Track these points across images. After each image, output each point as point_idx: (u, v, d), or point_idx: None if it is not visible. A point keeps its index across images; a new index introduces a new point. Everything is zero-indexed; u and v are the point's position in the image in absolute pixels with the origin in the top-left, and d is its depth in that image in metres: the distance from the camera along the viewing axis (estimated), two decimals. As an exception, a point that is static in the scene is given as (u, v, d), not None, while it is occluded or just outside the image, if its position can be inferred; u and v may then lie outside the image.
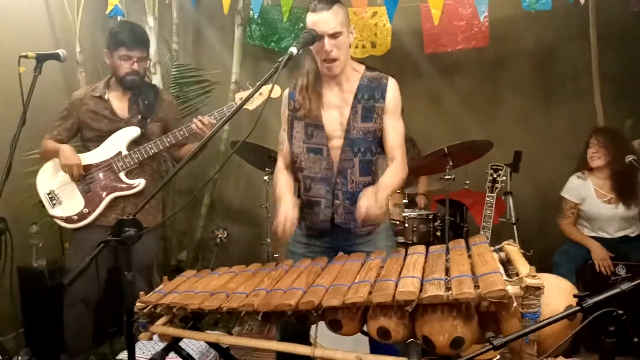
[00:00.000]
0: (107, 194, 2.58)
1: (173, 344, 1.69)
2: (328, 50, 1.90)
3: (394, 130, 2.02)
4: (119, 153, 2.59)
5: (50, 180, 2.64)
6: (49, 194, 2.62)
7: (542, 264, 3.26)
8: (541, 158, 3.81)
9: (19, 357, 2.99)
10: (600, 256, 2.97)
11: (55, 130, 2.63)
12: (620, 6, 3.50)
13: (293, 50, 1.69)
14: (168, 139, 2.59)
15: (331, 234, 2.07)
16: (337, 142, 2.02)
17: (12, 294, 3.00)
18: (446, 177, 3.12)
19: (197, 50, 4.32)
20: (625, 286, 1.20)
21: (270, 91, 1.74)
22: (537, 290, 1.28)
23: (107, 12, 3.61)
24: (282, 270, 1.75)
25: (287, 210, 1.89)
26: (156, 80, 3.67)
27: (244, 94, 2.61)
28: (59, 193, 2.61)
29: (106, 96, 2.63)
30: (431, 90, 4.07)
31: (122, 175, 2.59)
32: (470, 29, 3.71)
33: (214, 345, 2.01)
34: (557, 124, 3.93)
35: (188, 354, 1.76)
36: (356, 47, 3.91)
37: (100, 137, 2.61)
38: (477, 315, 1.41)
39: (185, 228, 4.28)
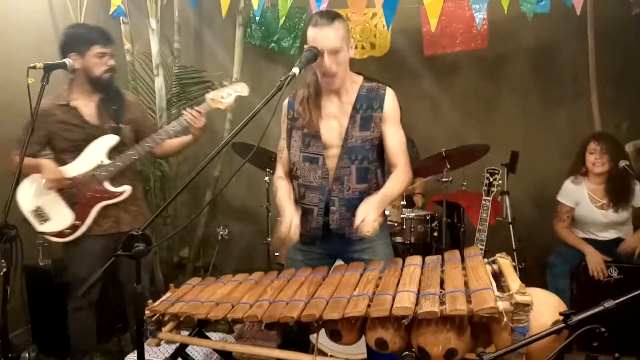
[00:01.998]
0: (95, 204, 2.56)
1: (180, 350, 1.77)
2: (327, 66, 1.94)
3: (395, 138, 2.06)
4: (101, 162, 2.57)
5: (33, 196, 2.56)
6: (35, 211, 2.55)
7: (538, 262, 3.37)
8: (538, 158, 3.88)
9: (27, 353, 3.10)
10: (594, 261, 3.01)
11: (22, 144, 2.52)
12: (618, 9, 3.53)
13: (295, 70, 1.73)
14: (148, 144, 2.58)
15: (328, 240, 2.13)
16: (334, 151, 2.07)
17: (22, 293, 3.10)
18: (443, 179, 3.19)
19: (199, 50, 4.36)
20: (609, 304, 1.27)
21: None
22: (526, 306, 1.35)
23: (110, 13, 3.65)
24: (284, 280, 1.83)
25: (291, 217, 1.95)
26: (158, 81, 3.72)
27: (215, 94, 2.62)
28: (46, 208, 2.55)
29: (72, 104, 2.55)
30: (430, 91, 4.11)
31: (106, 183, 2.58)
32: (469, 31, 3.74)
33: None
34: (555, 125, 3.99)
35: (194, 360, 1.84)
36: (355, 47, 3.95)
37: (76, 147, 2.56)
38: (470, 327, 1.48)
39: (187, 225, 4.36)
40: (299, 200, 2.13)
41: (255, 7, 3.22)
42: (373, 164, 2.09)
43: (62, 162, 2.59)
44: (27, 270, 3.11)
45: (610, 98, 3.69)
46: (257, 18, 3.50)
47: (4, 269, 2.06)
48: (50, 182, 2.48)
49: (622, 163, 2.89)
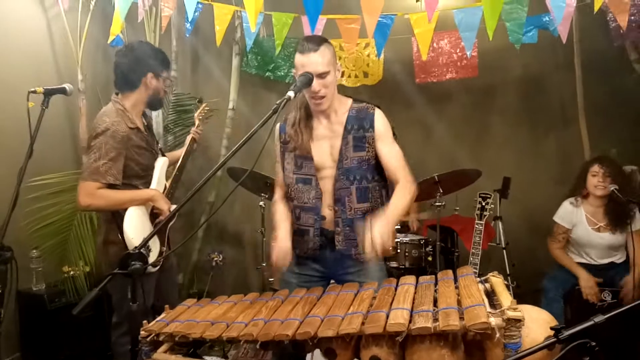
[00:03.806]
0: (166, 226, 2.51)
1: (174, 372, 1.76)
2: (316, 90, 2.00)
3: (390, 155, 2.08)
4: (166, 185, 2.53)
5: (140, 230, 2.35)
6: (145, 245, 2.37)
7: (531, 287, 3.38)
8: (530, 184, 3.94)
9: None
10: (587, 284, 3.02)
11: (108, 174, 2.30)
12: (603, 40, 3.65)
13: (291, 94, 1.78)
14: (181, 163, 2.62)
15: (322, 262, 2.15)
16: (328, 172, 2.11)
17: (15, 318, 3.08)
18: (436, 203, 3.23)
19: (196, 78, 4.44)
20: (598, 319, 1.30)
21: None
22: (518, 322, 1.37)
23: (108, 42, 3.72)
24: (279, 300, 1.84)
25: (280, 242, 2.00)
26: (156, 107, 3.77)
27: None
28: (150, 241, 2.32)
29: (139, 126, 2.47)
30: (422, 119, 4.20)
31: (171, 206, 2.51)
32: (460, 61, 3.85)
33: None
34: (545, 151, 4.07)
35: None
36: (349, 76, 4.05)
37: (145, 171, 2.46)
38: (464, 344, 1.49)
39: (182, 251, 4.33)
40: (295, 222, 2.16)
41: (252, 31, 3.29)
42: (374, 183, 2.11)
43: (133, 188, 2.43)
44: (21, 295, 3.11)
45: (598, 125, 3.76)
46: (248, 49, 3.60)
47: (-2, 291, 2.05)
48: (169, 210, 2.38)
49: (612, 187, 2.95)
